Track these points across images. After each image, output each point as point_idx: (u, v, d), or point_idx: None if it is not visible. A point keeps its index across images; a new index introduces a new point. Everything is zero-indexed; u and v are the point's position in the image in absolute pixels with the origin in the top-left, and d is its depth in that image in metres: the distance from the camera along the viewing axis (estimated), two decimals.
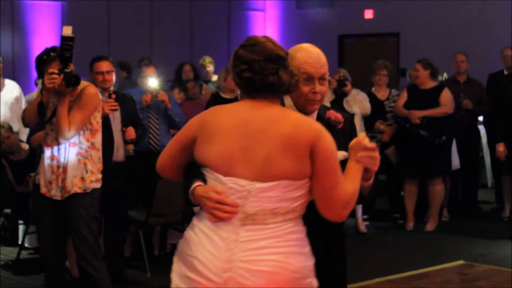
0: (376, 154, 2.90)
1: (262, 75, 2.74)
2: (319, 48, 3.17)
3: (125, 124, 6.21)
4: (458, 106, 8.45)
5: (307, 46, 3.19)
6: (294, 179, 2.69)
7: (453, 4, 12.08)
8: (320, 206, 2.75)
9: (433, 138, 8.00)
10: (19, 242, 7.13)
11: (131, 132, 6.20)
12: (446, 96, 8.09)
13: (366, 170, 2.92)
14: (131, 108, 6.40)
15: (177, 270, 2.80)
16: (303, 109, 3.10)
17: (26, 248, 7.20)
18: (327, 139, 2.73)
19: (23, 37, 11.47)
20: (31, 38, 11.46)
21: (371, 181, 3.06)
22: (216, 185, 2.74)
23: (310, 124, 2.76)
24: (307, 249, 2.78)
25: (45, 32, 11.43)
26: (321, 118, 3.19)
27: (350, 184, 2.78)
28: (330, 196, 2.72)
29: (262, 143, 2.69)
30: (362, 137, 2.90)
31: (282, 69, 2.77)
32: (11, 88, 7.81)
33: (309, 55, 3.12)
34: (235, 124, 2.74)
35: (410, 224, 8.32)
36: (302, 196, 2.73)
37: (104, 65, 6.01)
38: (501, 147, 7.82)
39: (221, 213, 2.69)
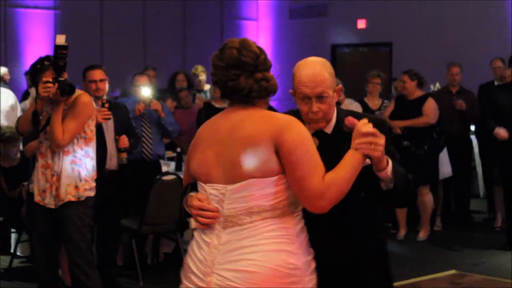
0: (376, 140, 2.75)
1: (223, 81, 2.81)
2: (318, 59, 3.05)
3: (118, 132, 6.22)
4: (450, 116, 8.46)
5: (306, 63, 3.07)
6: (262, 177, 2.70)
7: (446, 14, 12.13)
8: (299, 198, 2.72)
9: (415, 148, 8.00)
10: (12, 251, 7.11)
11: (124, 141, 6.21)
12: (429, 106, 8.03)
13: (370, 158, 2.79)
14: (124, 116, 6.41)
15: (182, 281, 2.90)
16: (309, 126, 3.02)
17: (19, 257, 7.18)
18: (292, 132, 2.70)
19: (16, 46, 11.46)
20: (24, 46, 11.46)
21: (388, 170, 2.86)
22: (200, 193, 2.84)
23: (274, 120, 2.75)
24: (293, 246, 2.72)
25: (38, 40, 11.44)
26: (340, 123, 3.07)
27: (332, 173, 2.70)
28: (303, 187, 2.67)
29: (229, 147, 2.75)
30: (361, 123, 2.80)
31: (244, 75, 2.77)
32: (6, 96, 7.76)
33: (305, 73, 3.01)
34: (210, 134, 2.84)
35: (402, 234, 8.33)
36: (277, 193, 2.71)
37: (97, 74, 6.01)
38: (501, 130, 7.59)
39: (204, 219, 2.78)
